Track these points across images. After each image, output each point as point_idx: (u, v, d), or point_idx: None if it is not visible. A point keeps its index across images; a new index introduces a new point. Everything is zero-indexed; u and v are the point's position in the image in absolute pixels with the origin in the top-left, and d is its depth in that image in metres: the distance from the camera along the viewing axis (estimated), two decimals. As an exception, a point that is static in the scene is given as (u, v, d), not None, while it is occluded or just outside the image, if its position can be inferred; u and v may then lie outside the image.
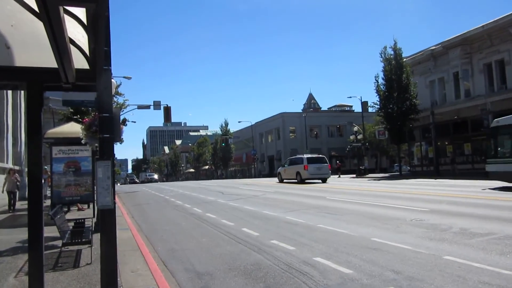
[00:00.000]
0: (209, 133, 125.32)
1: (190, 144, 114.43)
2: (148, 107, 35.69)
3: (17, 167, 21.99)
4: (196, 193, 24.03)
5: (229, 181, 46.17)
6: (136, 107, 34.96)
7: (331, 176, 29.86)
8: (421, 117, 34.60)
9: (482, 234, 8.06)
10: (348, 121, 58.77)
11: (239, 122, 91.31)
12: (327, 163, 30.27)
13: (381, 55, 35.97)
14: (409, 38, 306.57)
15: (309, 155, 31.72)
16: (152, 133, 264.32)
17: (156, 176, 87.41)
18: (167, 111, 33.74)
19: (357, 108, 77.77)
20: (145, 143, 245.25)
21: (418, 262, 6.24)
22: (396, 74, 34.34)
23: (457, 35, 32.57)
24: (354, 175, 41.97)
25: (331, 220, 10.86)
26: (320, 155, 32.14)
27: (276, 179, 35.14)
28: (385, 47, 35.87)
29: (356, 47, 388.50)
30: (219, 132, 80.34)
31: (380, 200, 14.73)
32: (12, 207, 16.97)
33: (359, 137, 46.03)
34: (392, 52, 35.34)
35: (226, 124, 75.79)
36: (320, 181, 29.29)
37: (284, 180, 32.10)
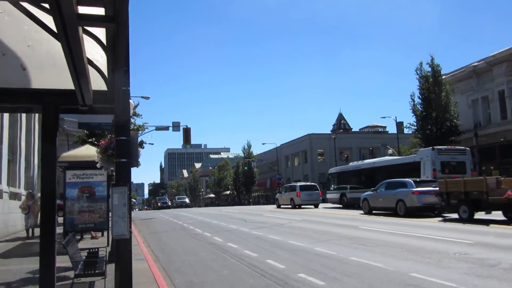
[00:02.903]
0: (230, 156, 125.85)
1: (210, 168, 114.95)
2: (166, 128, 36.28)
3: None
4: (217, 220, 24.00)
5: (252, 207, 45.99)
6: (154, 128, 35.50)
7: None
8: (463, 139, 33.85)
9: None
10: (381, 143, 58.03)
11: (263, 144, 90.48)
12: (318, 190, 35.53)
13: (417, 72, 35.36)
14: (448, 54, 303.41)
15: (302, 183, 38.02)
16: (171, 155, 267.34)
17: (187, 200, 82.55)
18: (187, 132, 34.21)
19: (392, 129, 76.67)
20: (163, 166, 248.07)
21: (463, 302, 6.02)
22: (434, 93, 33.80)
23: (503, 50, 32.05)
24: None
25: (364, 252, 10.65)
26: (312, 183, 38.18)
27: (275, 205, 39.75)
28: (420, 63, 35.25)
29: (389, 63, 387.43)
30: (242, 154, 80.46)
31: (419, 231, 14.37)
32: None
33: (394, 160, 45.28)
34: (429, 69, 34.89)
35: (249, 146, 75.76)
36: (313, 206, 34.10)
37: (281, 206, 36.77)
